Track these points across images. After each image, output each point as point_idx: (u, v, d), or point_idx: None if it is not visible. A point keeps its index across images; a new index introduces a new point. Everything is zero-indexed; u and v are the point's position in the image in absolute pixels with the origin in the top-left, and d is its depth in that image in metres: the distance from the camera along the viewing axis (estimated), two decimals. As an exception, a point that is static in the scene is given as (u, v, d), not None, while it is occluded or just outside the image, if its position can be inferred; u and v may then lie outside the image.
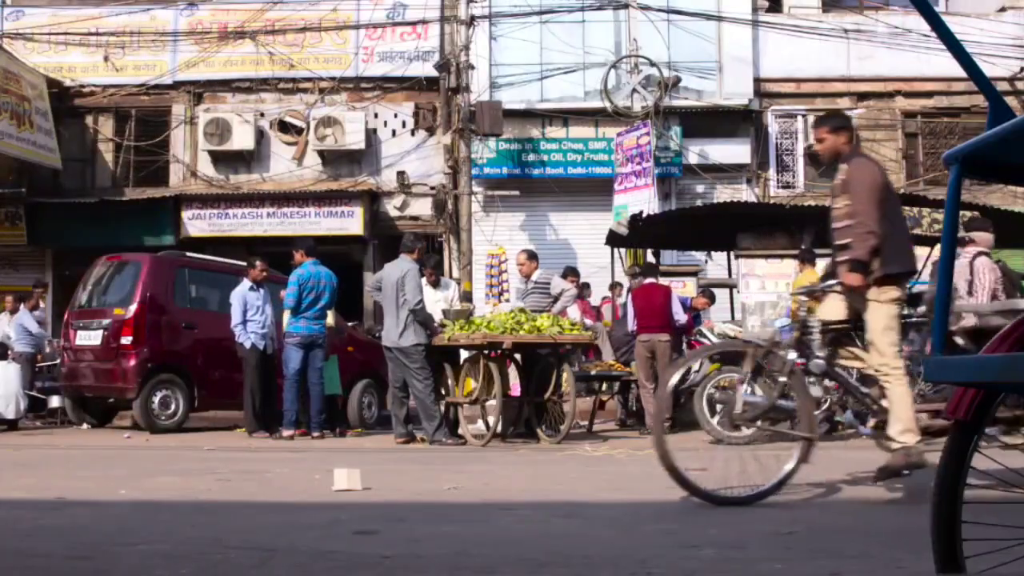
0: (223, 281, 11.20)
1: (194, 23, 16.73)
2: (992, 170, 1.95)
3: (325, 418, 9.92)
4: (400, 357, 8.87)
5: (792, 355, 4.69)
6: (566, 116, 16.15)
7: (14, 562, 3.30)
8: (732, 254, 13.81)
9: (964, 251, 8.12)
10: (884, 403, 4.73)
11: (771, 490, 4.52)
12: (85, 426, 11.47)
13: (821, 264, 11.26)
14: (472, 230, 15.56)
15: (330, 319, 10.11)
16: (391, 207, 16.59)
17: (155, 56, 16.63)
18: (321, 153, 16.44)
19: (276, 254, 12.23)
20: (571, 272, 11.32)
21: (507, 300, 13.95)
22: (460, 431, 9.08)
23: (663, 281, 11.08)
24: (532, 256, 10.04)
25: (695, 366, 4.54)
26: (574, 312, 10.40)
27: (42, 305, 13.26)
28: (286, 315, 9.75)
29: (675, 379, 5.30)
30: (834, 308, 4.95)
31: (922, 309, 5.47)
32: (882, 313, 4.75)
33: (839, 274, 4.82)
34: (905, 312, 5.15)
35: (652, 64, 15.79)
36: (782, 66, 16.43)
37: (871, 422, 4.83)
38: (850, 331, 4.92)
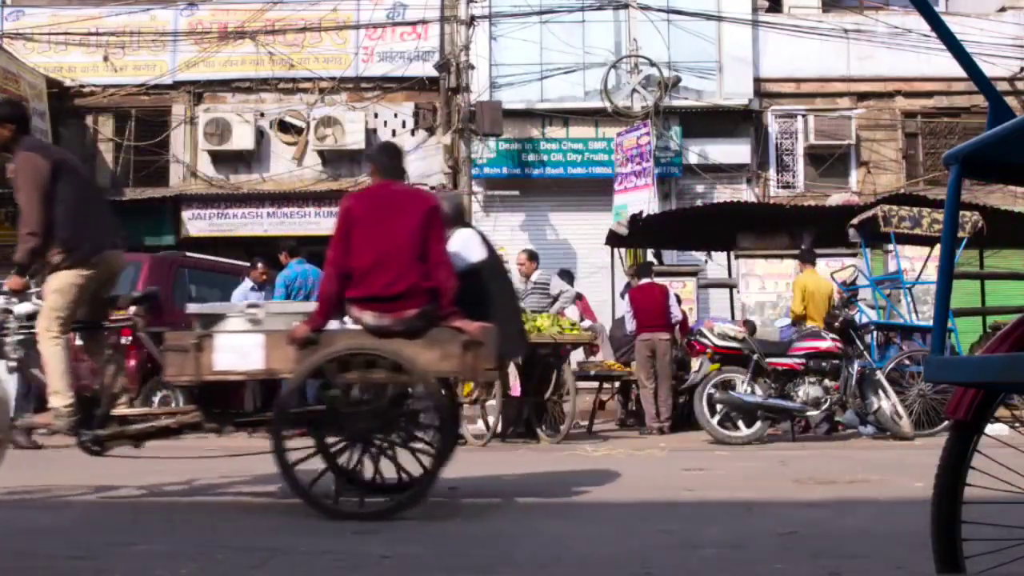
0: (223, 281, 11.20)
1: (194, 23, 16.72)
2: (992, 170, 1.94)
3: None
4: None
5: None
6: (566, 116, 16.13)
7: (14, 562, 3.30)
8: (732, 254, 13.82)
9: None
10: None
11: None
12: (85, 426, 11.44)
13: (821, 264, 11.29)
14: (472, 230, 15.53)
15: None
16: (391, 207, 16.54)
17: (155, 56, 16.62)
18: (321, 153, 16.43)
19: (276, 254, 12.22)
20: (566, 276, 11.07)
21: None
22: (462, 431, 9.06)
23: (660, 281, 11.06)
24: (533, 256, 10.07)
25: None
26: (573, 312, 10.39)
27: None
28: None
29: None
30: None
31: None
32: (58, 280, 4.92)
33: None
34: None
35: (652, 64, 15.77)
36: (782, 66, 16.41)
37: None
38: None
